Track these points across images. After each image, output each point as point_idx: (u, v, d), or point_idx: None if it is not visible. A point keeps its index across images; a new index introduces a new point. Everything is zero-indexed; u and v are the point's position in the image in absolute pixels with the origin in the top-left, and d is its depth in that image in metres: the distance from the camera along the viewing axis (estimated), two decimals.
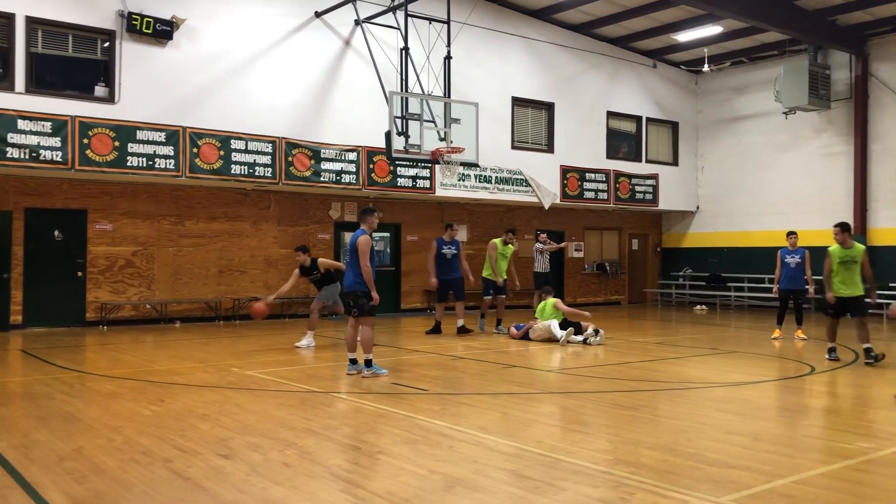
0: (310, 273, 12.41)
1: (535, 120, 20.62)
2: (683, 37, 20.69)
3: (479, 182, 18.94)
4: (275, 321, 16.85)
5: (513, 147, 19.87)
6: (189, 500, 4.54)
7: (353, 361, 9.29)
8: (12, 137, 13.25)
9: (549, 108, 20.72)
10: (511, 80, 19.79)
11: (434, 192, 18.39)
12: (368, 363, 9.16)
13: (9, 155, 13.23)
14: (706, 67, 21.84)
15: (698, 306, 21.72)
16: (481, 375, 9.60)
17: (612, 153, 22.05)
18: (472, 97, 16.13)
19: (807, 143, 21.28)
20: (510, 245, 14.68)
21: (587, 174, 21.25)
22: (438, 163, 14.45)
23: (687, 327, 16.66)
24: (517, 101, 20.04)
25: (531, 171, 19.94)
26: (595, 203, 21.56)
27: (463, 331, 13.99)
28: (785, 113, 20.55)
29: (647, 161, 22.87)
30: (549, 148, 20.72)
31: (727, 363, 10.80)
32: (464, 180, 18.49)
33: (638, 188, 22.42)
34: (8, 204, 14.43)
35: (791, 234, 13.76)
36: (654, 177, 22.81)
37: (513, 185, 19.60)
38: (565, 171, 20.78)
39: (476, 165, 16.04)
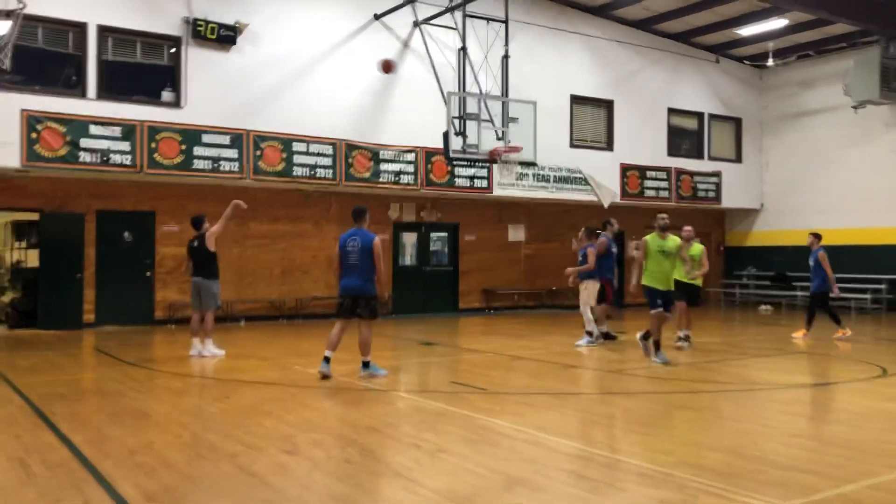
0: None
1: (594, 118, 20.43)
2: (747, 31, 20.23)
3: (538, 181, 18.85)
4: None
5: (571, 145, 19.72)
6: (254, 496, 4.65)
7: (328, 360, 8.86)
8: (85, 142, 13.75)
9: (608, 105, 20.50)
10: (569, 78, 19.65)
11: (492, 192, 18.38)
12: (367, 364, 8.96)
13: (81, 159, 13.73)
14: (771, 62, 21.32)
15: (763, 306, 21.21)
16: (541, 375, 9.57)
17: (673, 150, 21.69)
18: (530, 96, 16.06)
19: (878, 139, 20.57)
20: (669, 238, 10.37)
21: (648, 172, 20.96)
22: (496, 162, 14.43)
23: (751, 328, 16.29)
24: (576, 99, 19.88)
25: (590, 169, 19.76)
26: (656, 201, 21.23)
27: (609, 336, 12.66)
28: (854, 107, 19.88)
29: (710, 158, 22.43)
30: (609, 146, 20.51)
31: (793, 364, 10.53)
32: (522, 179, 18.42)
33: (700, 186, 22.00)
34: (81, 206, 14.96)
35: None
36: (718, 174, 22.36)
37: (572, 183, 19.45)
38: (625, 169, 20.54)
39: (534, 164, 15.99)
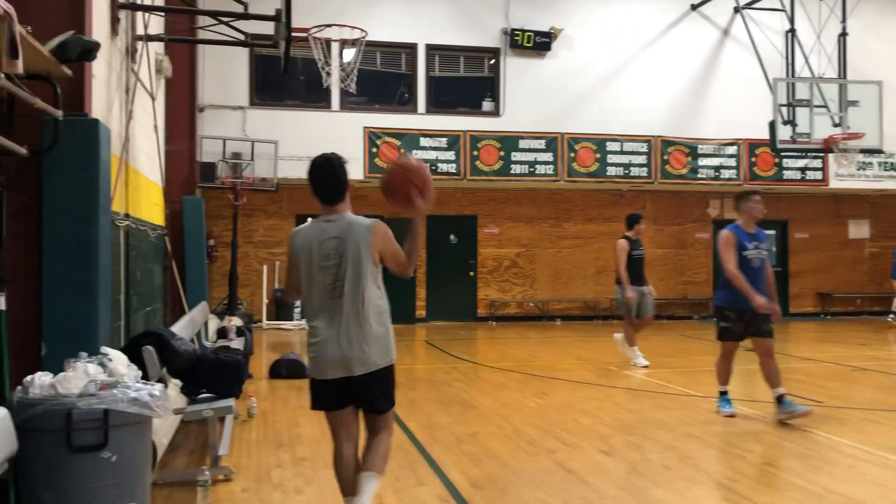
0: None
1: None
2: None
3: (885, 170, 16.73)
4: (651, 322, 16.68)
5: None
6: (571, 492, 4.71)
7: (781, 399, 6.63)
8: (416, 153, 15.04)
9: None
10: None
11: (827, 185, 16.69)
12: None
13: None
14: None
15: None
16: (891, 390, 8.47)
17: None
18: (874, 75, 14.29)
19: None
20: None
21: None
22: (832, 151, 13.10)
23: None
24: None
25: None
26: None
27: None
28: None
29: None
30: None
31: None
32: (864, 169, 16.48)
33: None
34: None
35: None
36: None
37: None
38: None
39: (880, 152, 14.18)
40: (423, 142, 15.10)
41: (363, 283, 3.73)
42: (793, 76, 13.66)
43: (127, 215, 7.13)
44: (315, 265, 3.74)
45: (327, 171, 3.80)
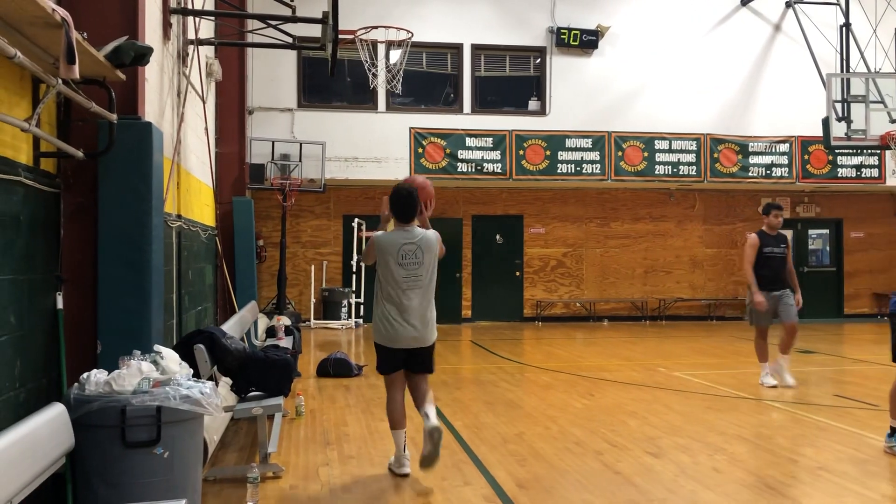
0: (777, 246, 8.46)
1: None
2: None
3: None
4: (700, 323, 16.46)
5: None
6: (619, 494, 4.66)
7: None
8: (462, 154, 15.05)
9: None
10: None
11: (884, 182, 16.23)
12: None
13: (459, 169, 15.06)
14: None
15: None
16: None
17: None
18: None
19: None
20: None
21: None
22: (889, 148, 12.74)
23: None
24: None
25: None
26: None
27: None
28: None
29: None
30: None
31: None
32: None
33: None
34: (458, 212, 16.39)
35: None
36: None
37: None
38: None
39: None
40: (469, 142, 15.10)
41: (433, 281, 5.14)
42: (847, 71, 13.33)
43: (179, 216, 7.27)
44: (395, 261, 5.05)
45: (408, 198, 5.12)
